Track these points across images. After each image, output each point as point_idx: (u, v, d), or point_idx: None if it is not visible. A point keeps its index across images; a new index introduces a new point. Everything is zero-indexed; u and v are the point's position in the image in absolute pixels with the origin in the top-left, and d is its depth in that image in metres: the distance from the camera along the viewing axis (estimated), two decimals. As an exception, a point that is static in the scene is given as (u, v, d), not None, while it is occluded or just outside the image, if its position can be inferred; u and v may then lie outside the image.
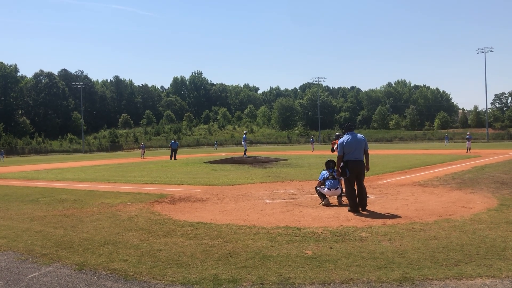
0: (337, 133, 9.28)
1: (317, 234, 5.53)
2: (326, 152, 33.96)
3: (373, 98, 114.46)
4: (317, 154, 32.32)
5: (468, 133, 36.27)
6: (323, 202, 8.00)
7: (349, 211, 7.21)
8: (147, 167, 21.75)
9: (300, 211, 7.32)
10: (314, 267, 4.15)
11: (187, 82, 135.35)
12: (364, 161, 7.47)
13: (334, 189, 7.98)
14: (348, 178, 7.32)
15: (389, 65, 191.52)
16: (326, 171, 8.26)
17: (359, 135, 7.46)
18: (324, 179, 8.16)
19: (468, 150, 29.51)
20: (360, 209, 7.19)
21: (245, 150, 25.93)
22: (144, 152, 39.12)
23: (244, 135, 26.40)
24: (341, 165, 7.39)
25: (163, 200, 9.13)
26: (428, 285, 3.60)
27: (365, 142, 7.44)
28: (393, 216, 6.63)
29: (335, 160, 7.77)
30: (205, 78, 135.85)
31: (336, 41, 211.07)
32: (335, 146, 8.89)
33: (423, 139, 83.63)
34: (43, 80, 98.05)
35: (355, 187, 7.44)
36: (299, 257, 4.50)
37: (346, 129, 7.62)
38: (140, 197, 9.72)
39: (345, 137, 7.38)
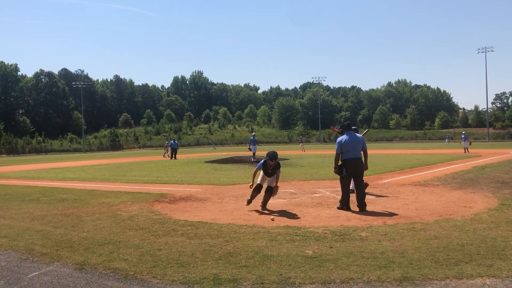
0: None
1: (317, 233, 5.53)
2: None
3: (373, 98, 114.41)
4: (317, 154, 32.30)
5: (463, 132, 33.47)
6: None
7: (338, 208, 7.33)
8: (147, 167, 21.75)
9: (300, 211, 7.32)
10: (314, 266, 4.15)
11: (187, 82, 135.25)
12: (363, 159, 7.49)
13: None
14: (344, 176, 7.36)
15: (389, 64, 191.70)
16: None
17: (358, 135, 7.49)
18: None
19: (466, 150, 28.82)
20: (358, 210, 7.16)
21: (254, 154, 24.14)
22: (168, 151, 32.50)
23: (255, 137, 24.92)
24: (339, 164, 7.39)
25: (163, 200, 9.13)
26: (429, 285, 3.60)
27: (363, 142, 7.49)
28: (393, 216, 6.63)
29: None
30: (205, 77, 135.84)
31: (337, 40, 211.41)
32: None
33: (424, 139, 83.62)
34: (43, 80, 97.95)
35: (353, 187, 7.58)
36: (299, 256, 4.50)
37: (345, 128, 7.58)
38: (141, 197, 9.72)
39: (344, 137, 7.42)
